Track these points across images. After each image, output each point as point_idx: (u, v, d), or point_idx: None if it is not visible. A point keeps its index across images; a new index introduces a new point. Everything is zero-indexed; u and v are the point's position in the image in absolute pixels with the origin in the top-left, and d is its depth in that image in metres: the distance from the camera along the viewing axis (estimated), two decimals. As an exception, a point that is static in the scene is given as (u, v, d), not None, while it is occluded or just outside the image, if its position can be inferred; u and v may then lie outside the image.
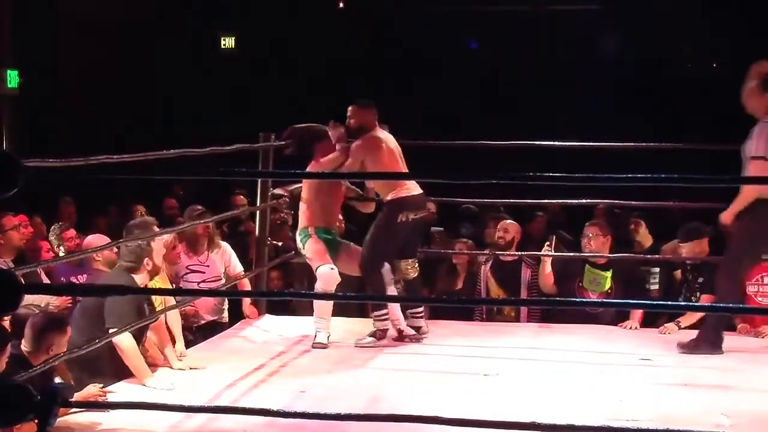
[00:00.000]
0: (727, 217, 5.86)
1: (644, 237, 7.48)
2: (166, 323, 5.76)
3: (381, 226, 6.19)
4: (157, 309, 5.54)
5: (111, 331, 4.97)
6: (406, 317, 6.29)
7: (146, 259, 5.30)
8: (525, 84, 15.18)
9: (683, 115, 13.36)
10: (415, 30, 16.00)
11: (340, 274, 6.23)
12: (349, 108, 6.31)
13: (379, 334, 6.16)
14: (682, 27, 14.73)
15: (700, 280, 6.76)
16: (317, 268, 6.17)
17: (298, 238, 6.42)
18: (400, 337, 6.27)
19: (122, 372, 5.10)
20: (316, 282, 6.17)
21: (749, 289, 6.70)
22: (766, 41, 13.34)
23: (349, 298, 6.66)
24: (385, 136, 6.28)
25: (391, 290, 6.22)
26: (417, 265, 6.40)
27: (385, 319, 6.18)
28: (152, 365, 5.34)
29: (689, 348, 5.95)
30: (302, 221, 6.39)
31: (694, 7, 14.66)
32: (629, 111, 13.67)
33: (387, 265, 6.22)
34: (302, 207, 6.41)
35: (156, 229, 5.67)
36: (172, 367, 5.41)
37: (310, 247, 6.29)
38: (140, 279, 5.27)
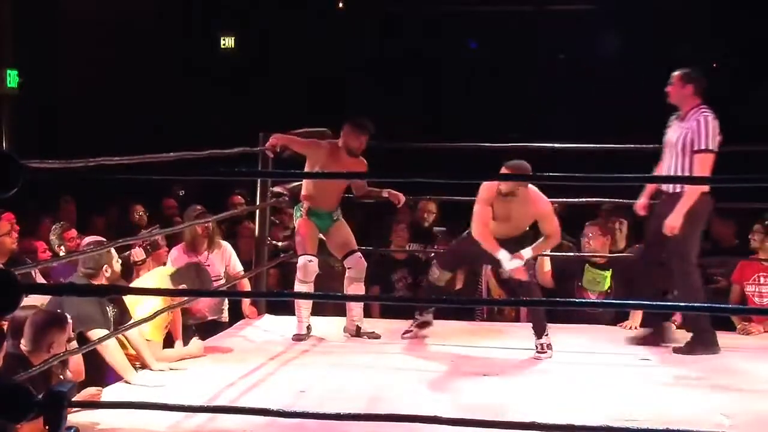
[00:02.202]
0: (675, 221, 5.79)
1: (622, 238, 7.40)
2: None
3: None
4: (157, 310, 5.57)
5: (89, 333, 5.04)
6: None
7: (105, 266, 5.32)
8: (525, 84, 15.17)
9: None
10: (415, 30, 15.99)
11: (330, 269, 6.40)
12: None
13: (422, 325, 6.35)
14: (682, 26, 14.71)
15: None
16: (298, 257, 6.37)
17: (294, 212, 6.55)
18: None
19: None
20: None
21: (747, 289, 6.72)
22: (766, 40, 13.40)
23: (345, 298, 6.65)
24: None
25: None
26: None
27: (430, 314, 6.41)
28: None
29: (685, 351, 5.95)
30: (302, 193, 6.49)
31: (694, 6, 14.65)
32: (629, 110, 13.67)
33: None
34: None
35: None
36: (152, 369, 5.40)
37: (297, 228, 6.46)
38: None
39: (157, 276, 5.87)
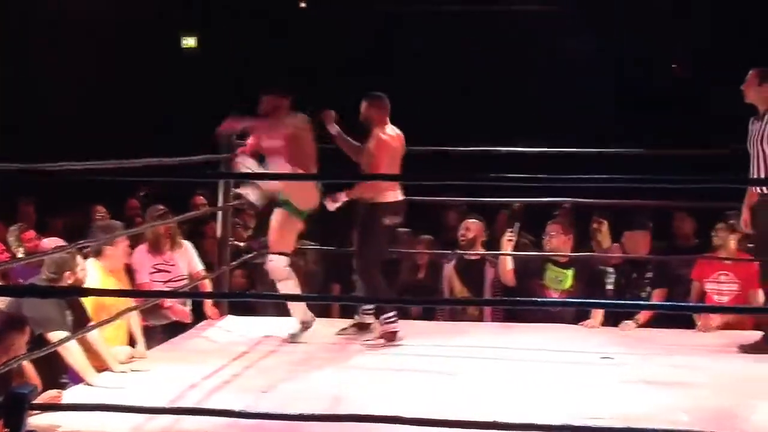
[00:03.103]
0: (744, 222, 5.79)
1: (605, 237, 7.51)
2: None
3: (368, 230, 6.15)
4: (118, 311, 5.53)
5: (50, 335, 4.98)
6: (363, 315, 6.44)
7: (68, 272, 5.25)
8: (492, 85, 15.18)
9: (653, 118, 13.49)
10: (377, 30, 15.97)
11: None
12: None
13: (388, 337, 6.19)
14: (652, 29, 14.79)
15: (649, 275, 6.86)
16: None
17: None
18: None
19: None
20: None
21: (707, 287, 6.80)
22: (733, 44, 13.50)
23: (314, 299, 6.64)
24: (392, 134, 6.26)
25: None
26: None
27: (395, 322, 6.23)
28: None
29: (752, 349, 5.91)
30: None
31: (661, 10, 14.73)
32: (601, 114, 13.76)
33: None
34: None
35: (118, 237, 5.73)
36: (113, 370, 5.37)
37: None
38: None
39: (91, 267, 5.82)
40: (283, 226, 6.27)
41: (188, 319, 6.71)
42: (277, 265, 6.24)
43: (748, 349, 5.94)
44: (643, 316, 6.68)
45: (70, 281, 5.27)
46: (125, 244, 6.08)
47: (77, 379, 5.19)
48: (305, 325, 6.31)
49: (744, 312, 6.64)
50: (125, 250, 6.12)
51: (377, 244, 6.19)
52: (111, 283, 5.87)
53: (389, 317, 6.21)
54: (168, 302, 6.58)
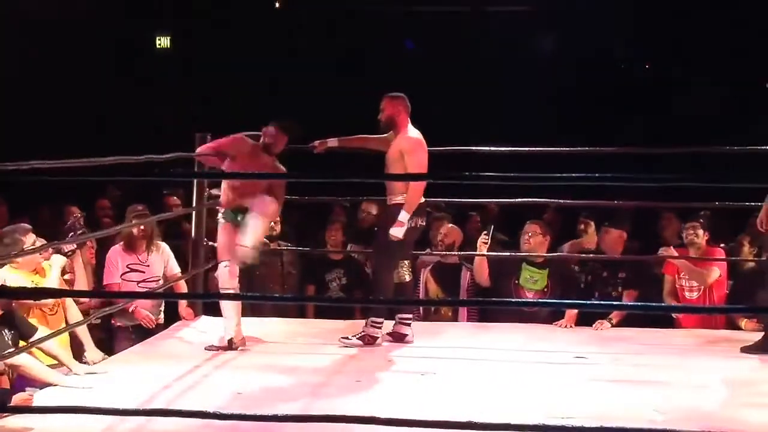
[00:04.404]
0: (762, 222, 5.74)
1: (591, 237, 7.52)
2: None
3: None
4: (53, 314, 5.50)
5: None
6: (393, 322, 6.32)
7: None
8: (459, 85, 15.23)
9: (616, 116, 13.57)
10: (352, 30, 15.98)
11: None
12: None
13: (368, 340, 6.13)
14: (616, 28, 14.89)
15: (621, 275, 6.89)
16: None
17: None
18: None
19: None
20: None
21: (677, 284, 6.85)
22: (699, 42, 13.60)
23: (290, 300, 6.60)
24: (419, 135, 6.19)
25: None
26: (411, 268, 6.44)
27: (380, 328, 6.16)
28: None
29: (754, 350, 5.91)
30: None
31: (625, 8, 14.82)
32: (564, 113, 13.82)
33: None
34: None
35: (26, 237, 5.49)
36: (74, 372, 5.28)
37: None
38: None
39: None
40: None
41: (151, 324, 6.63)
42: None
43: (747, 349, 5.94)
44: (617, 315, 6.72)
45: None
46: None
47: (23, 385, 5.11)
48: (231, 345, 6.03)
49: (718, 312, 6.71)
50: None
51: (397, 245, 6.09)
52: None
53: (377, 322, 6.15)
54: (133, 304, 6.53)
